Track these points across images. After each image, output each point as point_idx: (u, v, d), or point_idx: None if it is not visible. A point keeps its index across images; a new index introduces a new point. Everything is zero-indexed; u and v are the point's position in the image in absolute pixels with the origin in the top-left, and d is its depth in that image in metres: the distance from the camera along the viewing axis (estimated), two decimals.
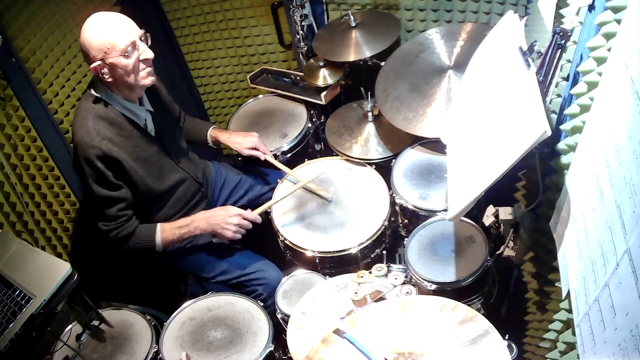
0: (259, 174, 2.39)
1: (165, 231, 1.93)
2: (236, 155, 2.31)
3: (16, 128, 1.98)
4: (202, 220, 1.95)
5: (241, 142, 2.24)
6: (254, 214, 1.98)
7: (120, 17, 1.71)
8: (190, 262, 2.10)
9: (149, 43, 1.77)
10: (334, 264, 1.99)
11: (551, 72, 1.40)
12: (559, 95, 1.49)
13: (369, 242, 1.95)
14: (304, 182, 2.11)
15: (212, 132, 2.29)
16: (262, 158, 2.24)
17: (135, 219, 1.89)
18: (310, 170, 2.27)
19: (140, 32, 1.73)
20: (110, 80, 1.74)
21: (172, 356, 1.76)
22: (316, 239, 1.99)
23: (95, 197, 1.81)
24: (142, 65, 1.74)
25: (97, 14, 1.70)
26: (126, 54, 1.68)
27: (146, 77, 1.78)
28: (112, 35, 1.66)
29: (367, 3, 2.48)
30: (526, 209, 1.68)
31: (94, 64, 1.70)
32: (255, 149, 2.23)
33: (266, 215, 2.14)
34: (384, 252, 2.08)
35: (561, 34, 1.31)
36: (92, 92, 1.80)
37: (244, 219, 1.95)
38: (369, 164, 2.21)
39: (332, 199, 2.11)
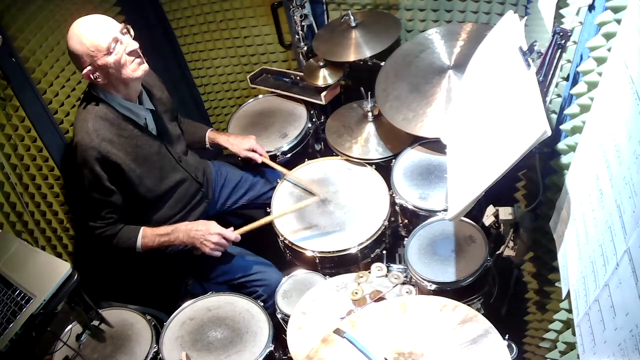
0: (259, 174, 2.39)
1: (146, 236, 1.94)
2: (236, 155, 2.31)
3: (16, 128, 1.98)
4: (182, 232, 1.96)
5: (239, 143, 2.26)
6: (235, 234, 1.97)
7: (97, 18, 1.71)
8: (191, 262, 2.10)
9: (132, 34, 1.77)
10: (334, 264, 1.99)
11: (551, 72, 1.40)
12: (559, 95, 1.49)
13: (369, 242, 1.95)
14: (296, 206, 2.08)
15: (210, 135, 2.30)
16: (259, 161, 2.26)
17: (120, 222, 1.92)
18: (310, 170, 2.27)
19: (119, 26, 1.72)
20: (105, 82, 1.75)
21: (172, 356, 1.76)
22: (316, 239, 1.99)
23: (88, 197, 1.84)
24: (129, 58, 1.74)
25: (76, 21, 1.70)
26: (111, 52, 1.68)
27: (137, 69, 1.77)
28: (93, 37, 1.67)
29: (367, 3, 2.48)
30: (526, 209, 1.68)
31: (85, 70, 1.71)
32: (253, 150, 2.25)
33: (266, 215, 2.13)
34: (384, 252, 2.08)
35: (561, 34, 1.31)
36: (92, 92, 1.81)
37: (224, 238, 1.95)
38: (369, 164, 2.21)
39: (324, 198, 2.11)
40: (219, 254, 1.98)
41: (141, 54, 1.77)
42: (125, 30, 1.74)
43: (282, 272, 2.11)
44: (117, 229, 1.91)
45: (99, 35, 1.67)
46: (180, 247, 2.04)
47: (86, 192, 1.83)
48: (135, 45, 1.74)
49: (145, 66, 1.79)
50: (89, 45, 1.67)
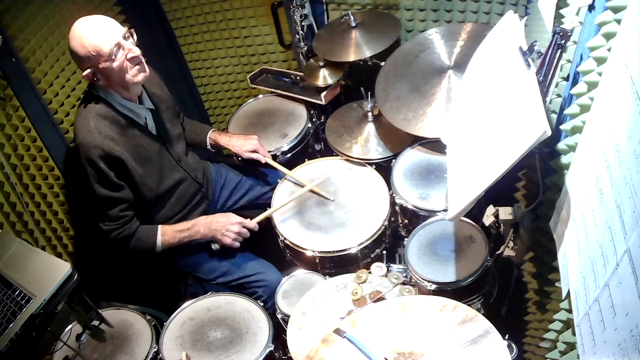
0: (259, 174, 2.39)
1: (165, 234, 1.94)
2: (236, 155, 2.31)
3: (16, 128, 1.98)
4: (202, 225, 1.97)
5: (242, 144, 2.24)
6: (254, 223, 2.02)
7: (100, 21, 1.69)
8: (191, 263, 2.10)
9: (135, 38, 1.76)
10: (334, 264, 1.99)
11: (551, 72, 1.40)
12: (559, 95, 1.49)
13: (369, 242, 1.95)
14: (307, 188, 2.11)
15: (212, 135, 2.29)
16: (263, 161, 2.25)
17: (136, 219, 1.91)
18: (310, 170, 2.27)
19: (123, 30, 1.71)
20: (105, 83, 1.75)
21: (172, 356, 1.76)
22: (316, 239, 1.99)
23: (97, 198, 1.81)
24: (130, 64, 1.73)
25: (78, 21, 1.68)
26: (112, 57, 1.67)
27: (137, 74, 1.76)
28: (95, 41, 1.65)
29: (367, 3, 2.48)
30: (526, 209, 1.68)
31: (85, 72, 1.71)
32: (255, 151, 2.24)
33: None
34: (384, 252, 2.08)
35: (561, 34, 1.31)
36: (92, 92, 1.80)
37: (244, 227, 1.99)
38: (369, 164, 2.21)
39: (334, 199, 2.11)
40: (238, 244, 2.00)
41: (143, 60, 1.76)
42: (128, 34, 1.73)
43: (282, 272, 2.11)
44: (134, 228, 1.89)
45: (101, 40, 1.65)
46: (178, 254, 2.04)
47: (94, 192, 1.80)
48: (137, 52, 1.73)
49: (146, 72, 1.78)
50: (90, 49, 1.65)
